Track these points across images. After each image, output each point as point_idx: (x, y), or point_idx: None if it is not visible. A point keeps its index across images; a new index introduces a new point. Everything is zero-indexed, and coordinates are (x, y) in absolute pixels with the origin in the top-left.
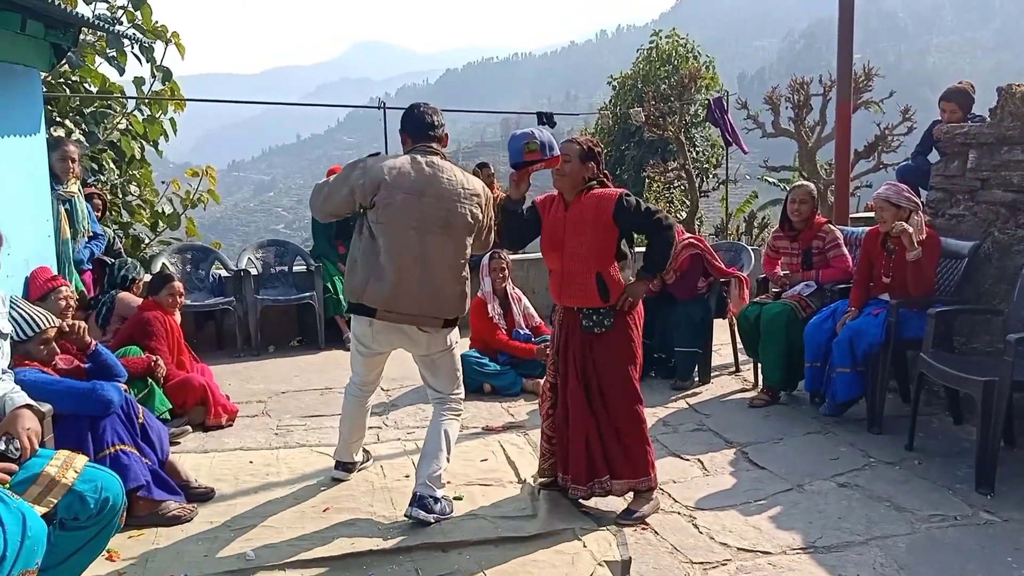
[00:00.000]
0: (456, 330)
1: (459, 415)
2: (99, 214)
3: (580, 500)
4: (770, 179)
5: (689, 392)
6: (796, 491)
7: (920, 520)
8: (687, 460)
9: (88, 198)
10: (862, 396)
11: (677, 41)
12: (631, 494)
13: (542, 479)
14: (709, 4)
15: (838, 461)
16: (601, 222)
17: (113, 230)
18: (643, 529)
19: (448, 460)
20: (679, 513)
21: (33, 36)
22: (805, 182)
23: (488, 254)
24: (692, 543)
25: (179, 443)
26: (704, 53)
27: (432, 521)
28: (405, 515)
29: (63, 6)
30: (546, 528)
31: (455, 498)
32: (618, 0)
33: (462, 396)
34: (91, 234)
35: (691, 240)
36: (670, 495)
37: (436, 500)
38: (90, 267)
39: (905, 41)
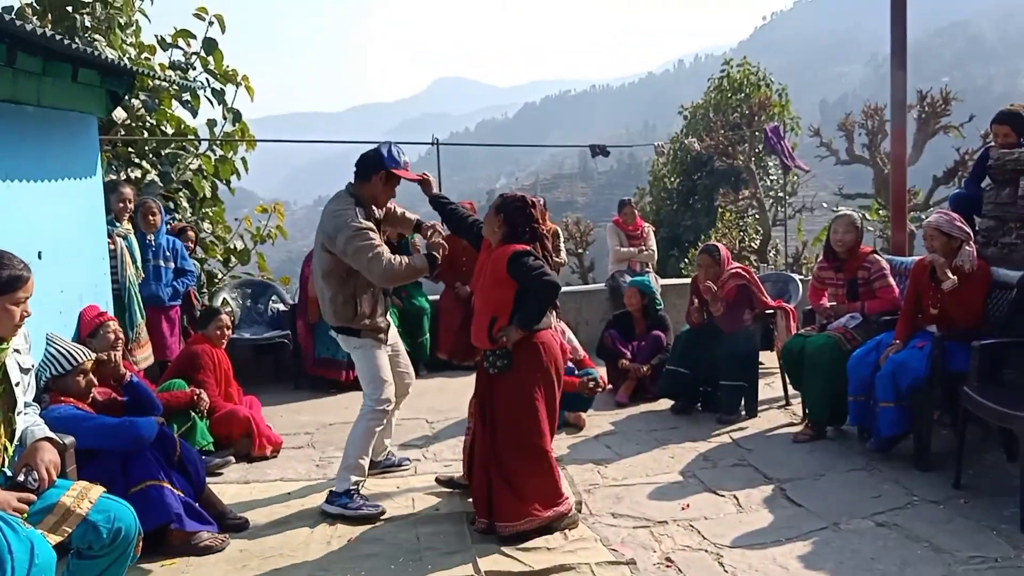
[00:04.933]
0: (363, 340)
1: (371, 408)
2: (192, 245)
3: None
4: (845, 208)
5: (734, 426)
6: (831, 530)
7: (958, 562)
8: (722, 496)
9: (181, 232)
10: (909, 432)
11: (749, 70)
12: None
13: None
14: (788, 31)
15: (879, 499)
16: (499, 272)
17: (197, 267)
18: (667, 566)
19: (359, 459)
20: (706, 551)
21: (88, 84)
22: (848, 211)
23: None
24: None
25: (222, 473)
26: (776, 81)
27: (331, 512)
28: None
29: (106, 57)
30: (562, 561)
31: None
32: (696, 30)
33: (380, 397)
34: (178, 269)
35: (738, 270)
36: (699, 532)
37: (338, 496)
38: (178, 302)
39: (995, 64)
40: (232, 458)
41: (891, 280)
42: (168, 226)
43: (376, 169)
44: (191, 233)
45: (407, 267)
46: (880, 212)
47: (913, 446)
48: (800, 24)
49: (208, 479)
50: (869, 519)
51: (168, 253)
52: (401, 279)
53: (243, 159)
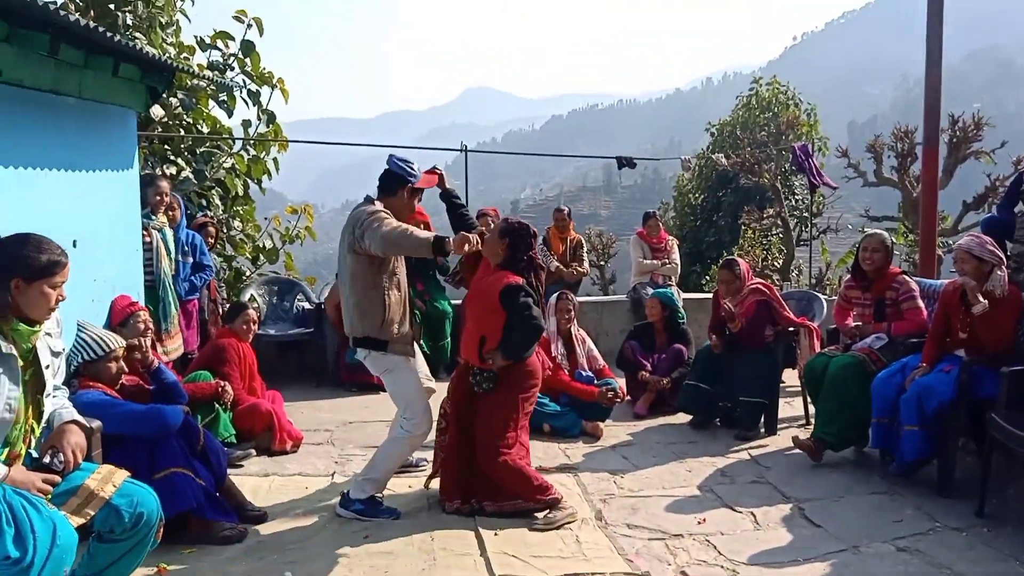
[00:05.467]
0: (391, 359)
1: (408, 435)
2: (211, 241)
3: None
4: (873, 228)
5: (753, 444)
6: (850, 552)
7: None
8: (739, 512)
9: (201, 227)
10: (933, 457)
11: (778, 88)
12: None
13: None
14: (818, 50)
15: (901, 524)
16: (491, 298)
17: (218, 262)
18: None
19: (385, 475)
20: (722, 566)
21: (128, 79)
22: (878, 231)
23: (556, 294)
24: None
25: (243, 466)
26: (806, 101)
27: (346, 517)
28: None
29: (147, 51)
30: (576, 570)
31: (494, 534)
32: (726, 48)
33: (415, 420)
34: (196, 264)
35: (758, 285)
36: (715, 547)
37: (353, 501)
38: (196, 296)
39: None
40: (253, 451)
41: (920, 302)
42: (194, 220)
43: (402, 184)
44: (211, 228)
45: (411, 235)
46: (907, 236)
47: (936, 472)
48: (831, 45)
49: (228, 471)
50: (890, 543)
51: (187, 248)
52: (409, 246)
53: (275, 159)
